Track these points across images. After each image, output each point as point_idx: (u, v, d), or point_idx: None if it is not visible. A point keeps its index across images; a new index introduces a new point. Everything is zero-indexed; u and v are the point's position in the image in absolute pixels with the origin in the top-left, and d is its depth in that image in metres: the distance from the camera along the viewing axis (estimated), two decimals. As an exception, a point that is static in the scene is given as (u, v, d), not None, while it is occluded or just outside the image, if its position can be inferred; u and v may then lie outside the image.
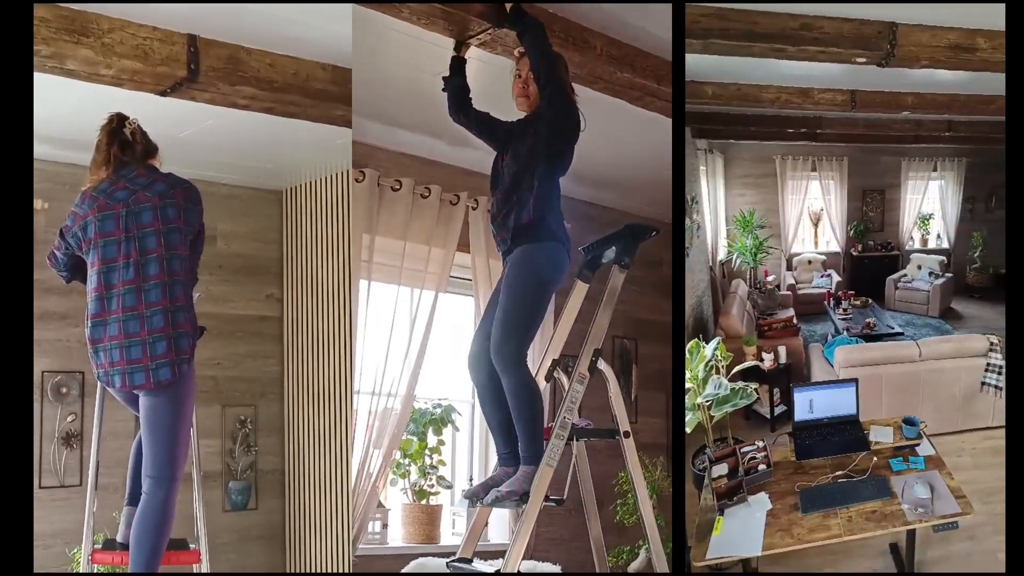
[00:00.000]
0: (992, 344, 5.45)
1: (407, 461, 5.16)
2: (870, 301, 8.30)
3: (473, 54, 3.51)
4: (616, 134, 4.83)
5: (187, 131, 3.60)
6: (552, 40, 3.28)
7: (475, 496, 3.08)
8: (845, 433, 3.93)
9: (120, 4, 3.31)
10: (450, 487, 5.34)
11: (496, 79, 3.51)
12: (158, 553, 3.10)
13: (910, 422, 3.89)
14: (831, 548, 3.55)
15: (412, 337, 5.10)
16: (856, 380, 4.20)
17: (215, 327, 5.40)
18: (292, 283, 5.90)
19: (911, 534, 3.72)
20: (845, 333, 7.15)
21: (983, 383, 5.39)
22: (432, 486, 5.16)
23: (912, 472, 3.56)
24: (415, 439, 5.19)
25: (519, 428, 3.01)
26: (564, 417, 3.02)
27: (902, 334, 7.34)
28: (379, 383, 5.02)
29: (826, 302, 8.50)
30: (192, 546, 3.46)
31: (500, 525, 5.50)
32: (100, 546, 3.41)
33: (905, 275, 9.78)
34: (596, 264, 3.34)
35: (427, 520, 5.05)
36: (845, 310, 8.00)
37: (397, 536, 5.17)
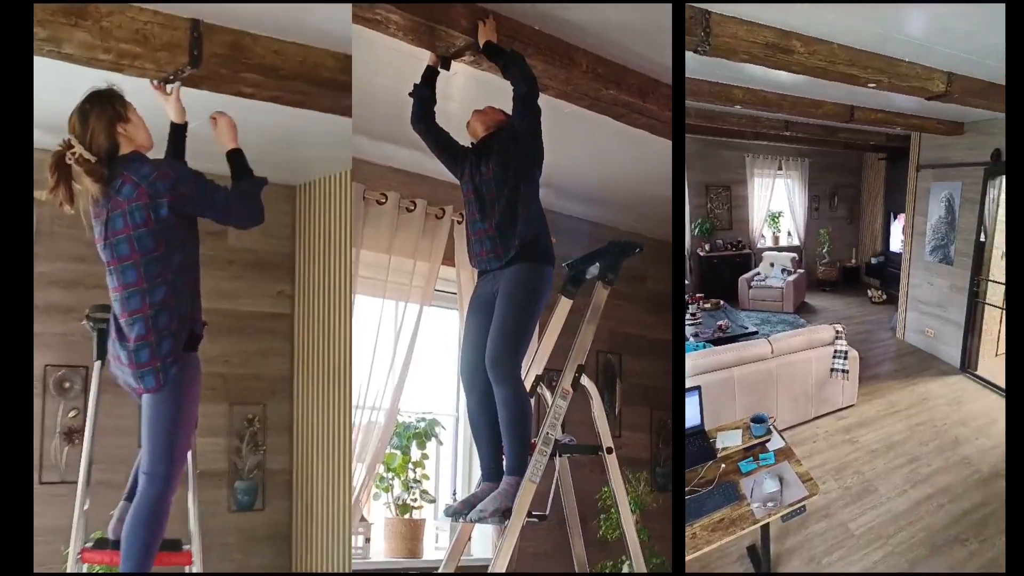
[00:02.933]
0: (838, 332, 5.51)
1: (390, 475, 4.74)
2: (722, 303, 7.87)
3: (460, 69, 3.25)
4: (601, 151, 4.61)
5: (196, 123, 3.08)
6: (538, 58, 3.18)
7: (457, 514, 2.89)
8: (689, 446, 3.61)
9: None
10: (433, 501, 4.92)
11: (481, 94, 3.33)
12: (150, 551, 2.78)
13: (758, 420, 3.66)
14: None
15: (397, 350, 4.68)
16: (699, 388, 3.88)
17: (225, 323, 5.01)
18: (303, 280, 5.42)
19: (765, 531, 3.48)
20: (693, 339, 6.67)
21: (832, 369, 5.45)
22: (415, 500, 4.74)
23: (762, 469, 3.41)
24: (399, 453, 4.79)
25: (508, 438, 2.84)
26: (547, 433, 2.82)
27: (756, 333, 7.01)
28: (363, 396, 4.58)
29: (673, 307, 8.33)
30: (185, 547, 3.11)
31: (483, 540, 5.09)
32: (92, 544, 3.05)
33: (758, 273, 9.38)
34: (580, 280, 3.12)
35: (410, 534, 4.66)
36: (694, 314, 7.44)
37: (380, 550, 4.73)
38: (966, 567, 3.66)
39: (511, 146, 2.97)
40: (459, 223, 4.92)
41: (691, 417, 3.77)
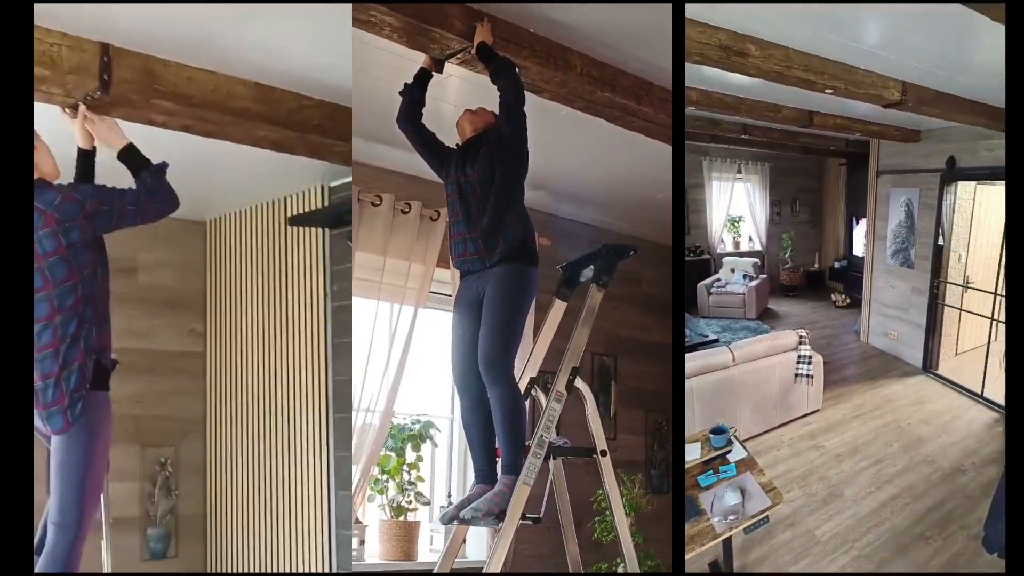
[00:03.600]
0: (801, 337, 5.42)
1: (385, 477, 4.66)
2: (680, 311, 8.00)
3: (454, 72, 3.26)
4: (596, 153, 4.55)
5: (103, 152, 2.99)
6: (533, 60, 3.16)
7: (451, 518, 2.84)
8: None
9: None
10: (428, 503, 4.87)
11: (476, 96, 3.25)
12: None
13: (718, 431, 3.56)
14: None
15: (391, 352, 4.60)
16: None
17: (136, 363, 4.88)
18: (216, 317, 5.28)
19: (727, 545, 3.40)
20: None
21: (796, 375, 5.36)
22: (410, 502, 4.67)
23: (723, 482, 3.33)
24: (393, 455, 4.71)
25: (504, 437, 2.81)
26: (541, 435, 2.77)
27: (717, 341, 6.85)
28: (358, 398, 4.49)
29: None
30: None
31: (478, 542, 5.02)
32: None
33: (718, 279, 9.15)
34: (574, 282, 3.09)
35: (405, 536, 4.60)
36: (650, 325, 7.28)
37: (374, 552, 4.66)
38: (931, 564, 3.67)
39: (497, 150, 2.94)
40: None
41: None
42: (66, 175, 2.96)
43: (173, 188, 2.84)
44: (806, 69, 3.45)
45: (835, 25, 3.16)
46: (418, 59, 3.11)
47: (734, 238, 10.11)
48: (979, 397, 6.00)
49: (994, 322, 6.34)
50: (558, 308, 3.11)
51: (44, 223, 2.62)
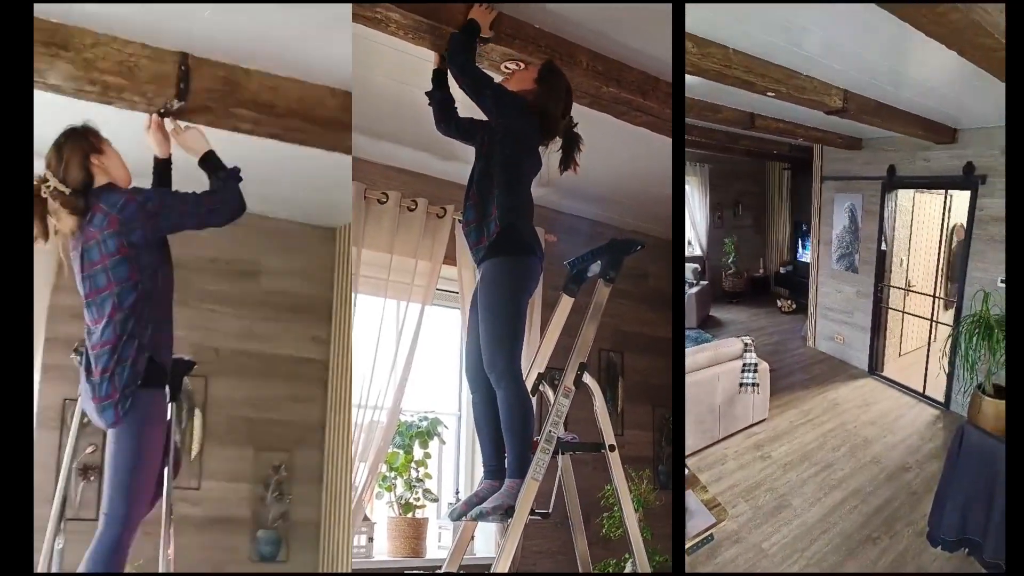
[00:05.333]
0: (746, 344, 5.32)
1: (393, 474, 4.66)
2: (614, 320, 7.37)
3: None
4: (602, 149, 4.40)
5: (233, 164, 2.92)
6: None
7: (460, 515, 2.81)
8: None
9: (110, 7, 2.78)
10: (436, 500, 4.84)
11: None
12: None
13: None
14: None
15: (399, 350, 4.57)
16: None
17: (253, 366, 4.88)
18: (340, 326, 5.20)
19: None
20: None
21: (741, 384, 5.29)
22: (418, 499, 4.66)
23: None
24: (401, 452, 4.69)
25: (508, 440, 2.76)
26: (549, 431, 2.76)
27: None
28: (365, 396, 4.46)
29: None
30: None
31: (486, 539, 4.99)
32: None
33: None
34: (581, 278, 3.07)
35: (413, 534, 4.60)
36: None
37: (383, 550, 4.66)
38: (879, 564, 3.69)
39: (488, 135, 2.92)
40: (460, 222, 4.90)
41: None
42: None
43: (241, 193, 2.88)
44: (747, 70, 3.45)
45: (777, 28, 3.16)
46: (422, 54, 3.09)
47: (673, 242, 9.98)
48: (921, 395, 6.15)
49: (934, 323, 6.53)
50: (565, 304, 3.09)
51: (108, 224, 2.67)
